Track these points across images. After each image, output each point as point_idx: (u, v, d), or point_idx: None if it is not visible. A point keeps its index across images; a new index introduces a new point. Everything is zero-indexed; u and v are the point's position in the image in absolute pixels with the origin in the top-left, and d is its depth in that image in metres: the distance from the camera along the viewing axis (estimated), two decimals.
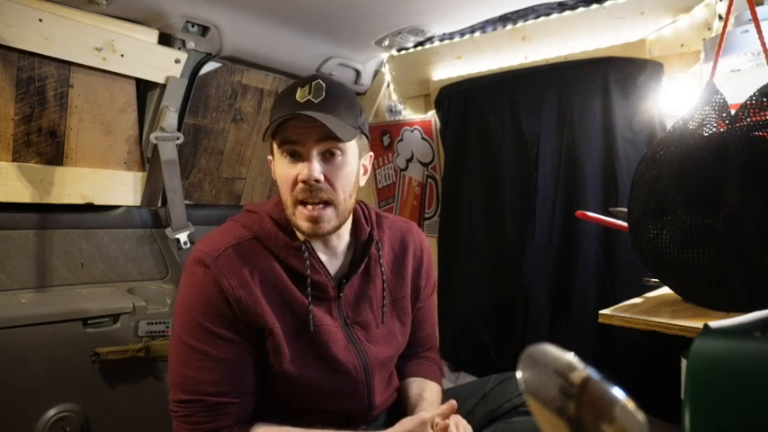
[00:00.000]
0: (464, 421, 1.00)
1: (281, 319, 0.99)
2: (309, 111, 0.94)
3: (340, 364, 1.03)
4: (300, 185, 0.96)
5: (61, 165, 1.67)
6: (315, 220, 0.97)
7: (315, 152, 0.96)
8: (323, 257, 1.05)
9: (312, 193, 0.96)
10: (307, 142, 0.96)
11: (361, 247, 1.10)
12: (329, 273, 1.05)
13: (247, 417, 0.97)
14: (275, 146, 1.00)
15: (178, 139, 1.82)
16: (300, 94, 0.97)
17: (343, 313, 1.06)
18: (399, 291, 1.16)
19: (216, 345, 0.94)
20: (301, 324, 1.00)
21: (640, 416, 0.39)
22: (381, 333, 1.10)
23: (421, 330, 1.25)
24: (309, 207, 0.97)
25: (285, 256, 1.01)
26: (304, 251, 1.01)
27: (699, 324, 0.94)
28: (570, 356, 0.43)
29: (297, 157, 0.97)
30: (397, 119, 2.37)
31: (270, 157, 1.06)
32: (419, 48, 2.07)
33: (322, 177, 0.96)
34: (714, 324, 0.54)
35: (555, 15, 1.80)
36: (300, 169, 0.96)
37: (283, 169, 0.98)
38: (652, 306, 1.12)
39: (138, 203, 1.88)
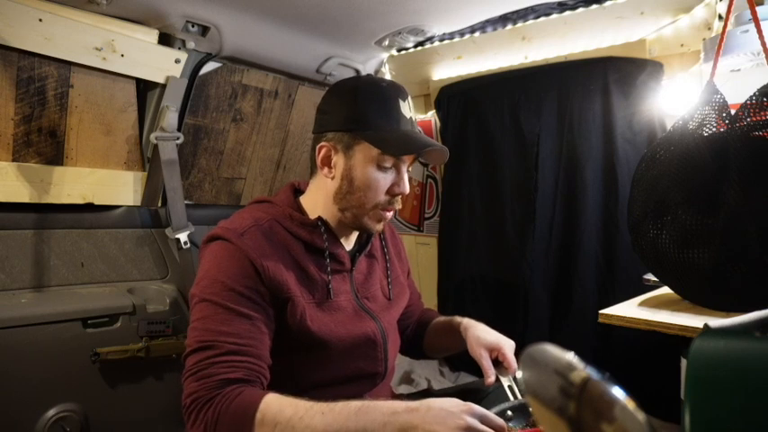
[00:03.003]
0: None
1: (302, 290, 1.02)
2: (416, 128, 1.08)
3: (359, 329, 1.08)
4: (397, 197, 1.07)
5: (61, 165, 1.67)
6: (383, 223, 1.10)
7: (406, 167, 1.08)
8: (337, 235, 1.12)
9: (398, 203, 1.09)
10: (408, 159, 1.07)
11: None
12: (344, 247, 1.12)
13: (260, 383, 0.94)
14: (373, 150, 1.02)
15: (178, 138, 1.82)
16: (405, 108, 1.06)
17: (354, 287, 1.12)
18: (398, 268, 1.27)
19: (239, 302, 0.95)
20: (321, 295, 1.05)
21: (640, 416, 0.39)
22: (388, 305, 1.19)
23: (416, 300, 1.40)
24: (389, 213, 1.09)
25: (302, 233, 1.06)
26: (320, 226, 1.07)
27: (699, 324, 0.94)
28: (570, 356, 0.43)
29: (389, 166, 1.05)
30: None
31: (332, 153, 1.06)
32: (419, 48, 2.07)
33: None
34: (714, 324, 0.54)
35: (555, 15, 1.80)
36: (396, 181, 1.06)
37: (375, 175, 1.04)
38: (652, 306, 1.12)
39: (138, 203, 1.88)
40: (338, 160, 1.06)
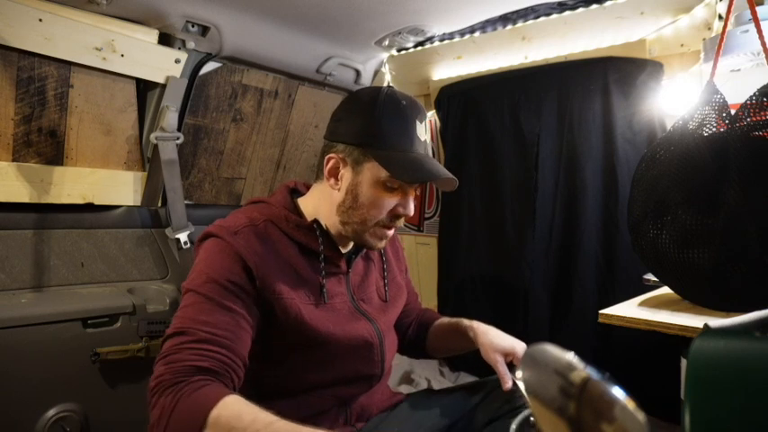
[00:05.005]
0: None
1: (296, 292, 1.01)
2: (429, 151, 1.06)
3: (355, 331, 1.07)
4: (401, 218, 1.07)
5: (61, 165, 1.67)
6: (385, 240, 1.09)
7: (413, 189, 1.07)
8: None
9: (400, 222, 1.08)
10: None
11: None
12: (340, 249, 1.11)
13: (229, 378, 0.91)
14: (382, 171, 1.00)
15: (178, 138, 1.82)
16: (421, 131, 1.04)
17: (350, 289, 1.12)
18: (395, 269, 1.27)
19: (222, 295, 0.94)
20: (315, 297, 1.04)
21: (640, 416, 0.39)
22: (384, 306, 1.18)
23: (413, 299, 1.37)
24: (390, 232, 1.08)
25: (298, 235, 1.05)
26: (316, 229, 1.06)
27: (699, 324, 0.94)
28: (570, 356, 0.43)
29: (396, 188, 1.03)
30: None
31: (340, 165, 1.04)
32: (419, 48, 2.07)
33: None
34: (714, 324, 0.54)
35: (555, 15, 1.80)
36: (401, 203, 1.04)
37: (380, 195, 1.03)
38: (652, 306, 1.13)
39: (138, 203, 1.87)
40: (345, 174, 1.04)
